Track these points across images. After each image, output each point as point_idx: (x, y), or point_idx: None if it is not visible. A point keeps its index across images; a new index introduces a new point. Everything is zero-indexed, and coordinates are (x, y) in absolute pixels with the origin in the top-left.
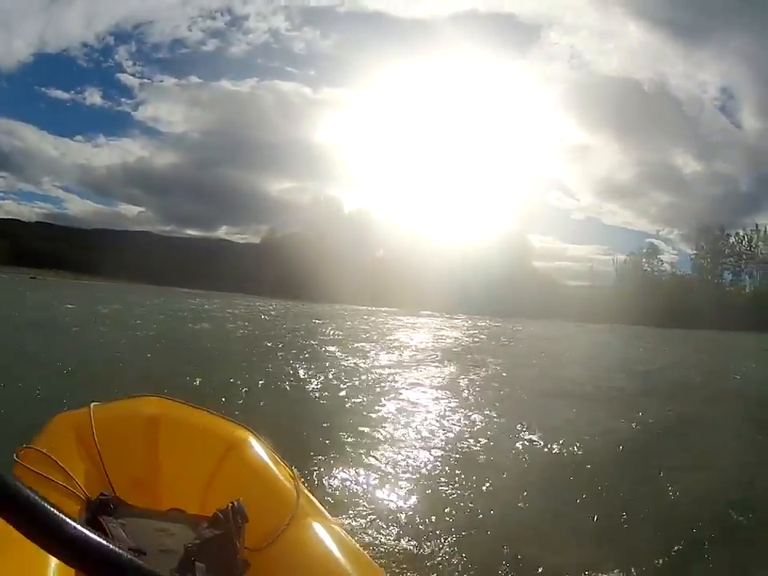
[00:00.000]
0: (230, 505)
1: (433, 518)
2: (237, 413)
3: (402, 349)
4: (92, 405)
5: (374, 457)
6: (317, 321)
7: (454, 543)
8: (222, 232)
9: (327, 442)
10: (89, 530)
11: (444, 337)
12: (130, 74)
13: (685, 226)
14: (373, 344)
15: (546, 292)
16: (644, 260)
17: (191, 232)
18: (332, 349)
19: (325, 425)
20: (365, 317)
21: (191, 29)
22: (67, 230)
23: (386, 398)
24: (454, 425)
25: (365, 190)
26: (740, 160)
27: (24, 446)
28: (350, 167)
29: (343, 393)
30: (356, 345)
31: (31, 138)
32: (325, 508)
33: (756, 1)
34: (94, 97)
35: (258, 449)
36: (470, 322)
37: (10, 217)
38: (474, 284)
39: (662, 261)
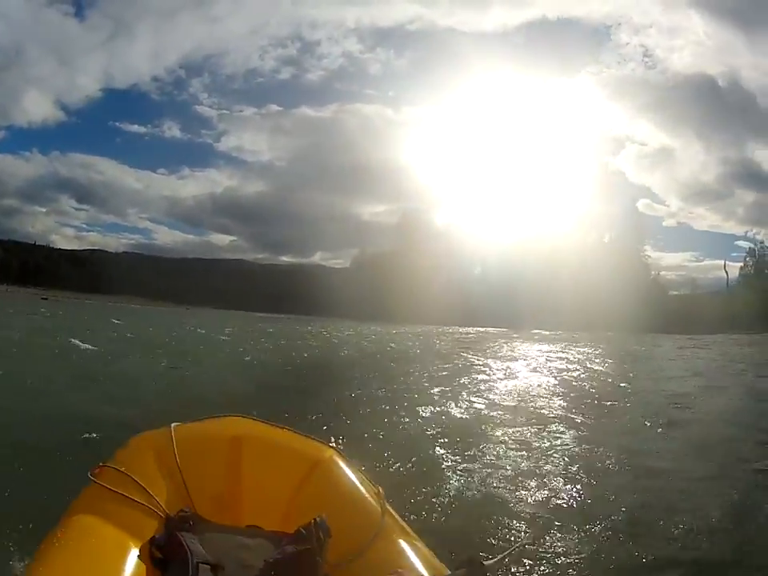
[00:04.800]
0: (313, 521)
1: (524, 541)
2: (326, 434)
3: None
4: (173, 425)
5: (463, 478)
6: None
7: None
8: (318, 258)
9: (415, 461)
10: None
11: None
12: (207, 105)
13: None
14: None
15: (663, 303)
16: None
17: (286, 259)
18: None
19: (413, 445)
20: (477, 341)
21: (263, 58)
22: (156, 259)
23: (483, 419)
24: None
25: (454, 208)
26: None
27: (100, 464)
28: (439, 186)
29: (439, 415)
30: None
31: (111, 171)
32: (410, 527)
33: None
34: (172, 130)
35: (343, 467)
36: (607, 343)
37: (96, 248)
38: (587, 299)
39: None
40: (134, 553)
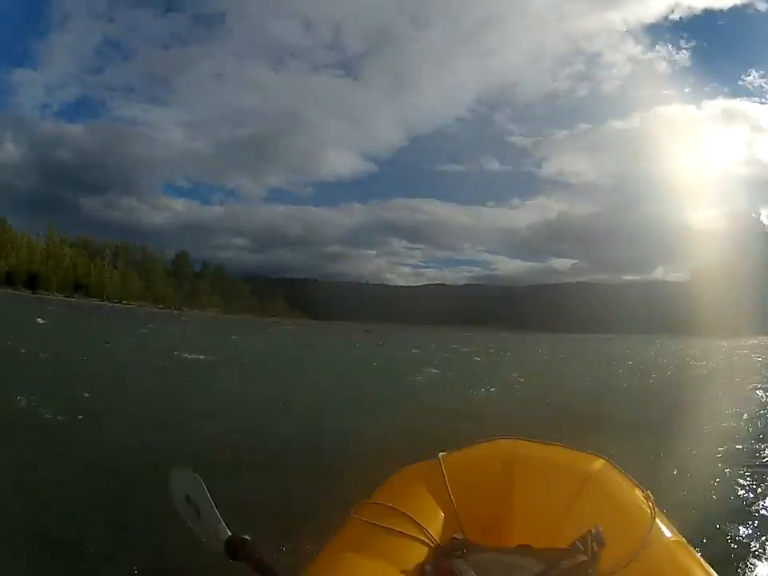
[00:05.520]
0: (588, 532)
1: None
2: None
3: None
4: (440, 454)
5: (743, 499)
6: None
7: None
8: (659, 273)
9: (686, 465)
10: None
11: None
12: (518, 135)
13: None
14: None
15: None
16: None
17: (628, 277)
18: None
19: (699, 460)
20: None
21: (555, 79)
22: (499, 288)
23: None
24: None
25: None
26: None
27: (363, 502)
28: (758, 181)
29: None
30: None
31: (438, 210)
32: (682, 531)
33: None
34: (490, 163)
35: (613, 476)
36: None
37: (436, 282)
38: None
39: None
40: None
